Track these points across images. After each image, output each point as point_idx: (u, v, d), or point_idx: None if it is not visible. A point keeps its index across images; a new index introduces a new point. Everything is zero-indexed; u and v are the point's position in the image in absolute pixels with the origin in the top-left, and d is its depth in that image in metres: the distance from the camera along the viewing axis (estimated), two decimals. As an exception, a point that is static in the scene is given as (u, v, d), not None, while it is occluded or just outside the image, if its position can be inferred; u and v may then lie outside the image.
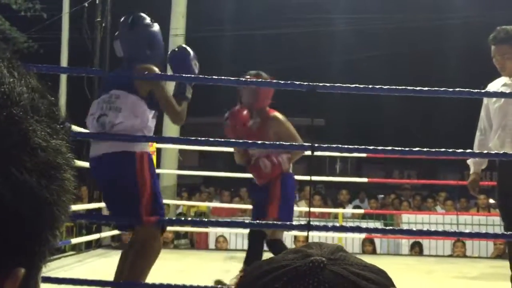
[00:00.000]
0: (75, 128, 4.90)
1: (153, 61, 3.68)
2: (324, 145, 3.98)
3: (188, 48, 3.99)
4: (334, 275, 0.65)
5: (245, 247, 7.90)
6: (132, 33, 3.70)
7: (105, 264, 5.03)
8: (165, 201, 8.98)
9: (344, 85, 3.85)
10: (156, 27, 3.76)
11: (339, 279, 0.64)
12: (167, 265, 5.96)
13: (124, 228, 3.88)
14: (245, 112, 4.54)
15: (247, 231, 7.82)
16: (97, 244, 7.17)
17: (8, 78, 0.53)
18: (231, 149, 6.52)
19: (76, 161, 0.58)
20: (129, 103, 3.51)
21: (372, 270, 0.67)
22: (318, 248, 0.69)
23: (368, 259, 0.70)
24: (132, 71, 3.61)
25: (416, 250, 7.91)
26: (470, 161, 4.41)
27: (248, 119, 4.55)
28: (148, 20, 3.74)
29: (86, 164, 4.38)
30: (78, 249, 6.86)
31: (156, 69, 3.65)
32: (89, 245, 7.06)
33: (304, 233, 6.72)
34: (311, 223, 3.69)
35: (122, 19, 3.79)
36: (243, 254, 5.60)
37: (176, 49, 4.07)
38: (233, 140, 4.51)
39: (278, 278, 0.66)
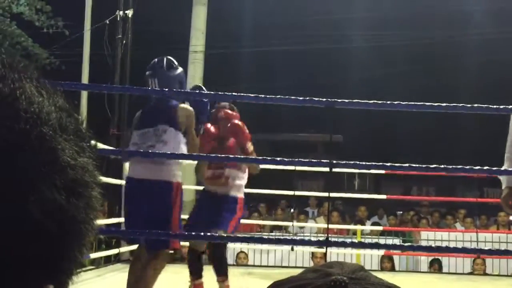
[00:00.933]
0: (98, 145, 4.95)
1: None
2: (342, 162, 4.00)
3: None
4: None
5: (264, 263, 7.93)
6: (168, 73, 4.21)
7: (124, 279, 5.05)
8: (184, 216, 9.03)
9: (362, 101, 3.87)
10: (181, 69, 4.35)
11: None
12: (182, 278, 5.98)
13: (152, 247, 4.09)
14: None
15: (266, 247, 7.86)
16: (116, 259, 7.21)
17: (37, 98, 0.54)
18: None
19: (101, 177, 0.60)
20: (174, 137, 4.05)
21: None
22: (339, 267, 0.68)
23: (387, 276, 0.70)
24: (175, 109, 4.11)
25: (435, 267, 7.85)
26: (502, 176, 4.13)
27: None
28: (176, 63, 4.33)
29: (106, 180, 4.46)
30: (97, 263, 6.90)
31: (191, 109, 4.15)
32: (108, 260, 7.10)
33: (322, 250, 6.71)
34: (330, 239, 3.69)
35: (157, 61, 4.28)
36: (262, 270, 5.61)
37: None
38: (256, 157, 4.60)
39: None
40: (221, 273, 4.67)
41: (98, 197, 0.57)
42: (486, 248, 6.43)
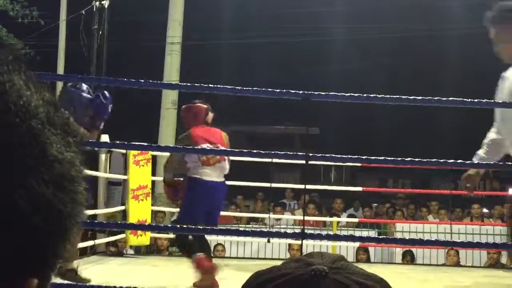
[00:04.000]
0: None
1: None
2: (318, 155, 4.01)
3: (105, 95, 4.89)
4: (336, 284, 0.65)
5: (240, 254, 7.95)
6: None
7: (100, 271, 5.05)
8: (160, 208, 9.04)
9: (338, 93, 3.88)
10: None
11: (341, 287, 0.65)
12: (161, 271, 5.98)
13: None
14: None
15: (243, 238, 7.88)
16: (91, 251, 7.17)
17: (25, 91, 0.54)
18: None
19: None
20: None
21: (374, 279, 0.68)
22: (319, 257, 0.69)
23: (362, 267, 0.70)
24: None
25: (408, 259, 7.94)
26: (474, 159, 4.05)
27: None
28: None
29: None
30: (88, 252, 6.86)
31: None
32: (83, 252, 7.06)
33: (298, 242, 6.74)
34: (306, 231, 3.71)
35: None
36: (238, 262, 5.63)
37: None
38: (230, 149, 4.68)
39: (280, 286, 0.66)
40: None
41: (83, 192, 0.57)
42: (460, 240, 6.52)
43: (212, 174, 4.97)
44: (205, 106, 5.16)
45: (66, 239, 0.55)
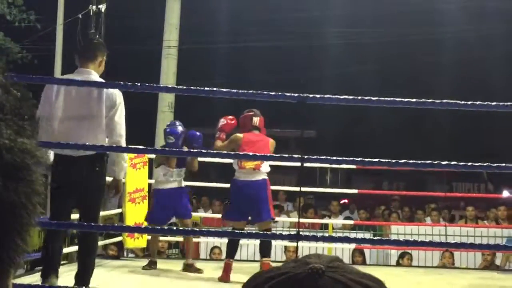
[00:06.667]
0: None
1: None
2: (313, 157, 4.05)
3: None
4: (333, 282, 0.67)
5: (236, 257, 7.96)
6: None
7: (96, 273, 5.05)
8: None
9: (333, 96, 3.92)
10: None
11: (337, 285, 0.67)
12: (159, 274, 6.00)
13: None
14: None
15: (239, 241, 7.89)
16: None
17: None
18: (223, 160, 6.61)
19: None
20: None
21: (370, 279, 0.70)
22: (316, 258, 0.71)
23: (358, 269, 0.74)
24: None
25: (408, 257, 7.91)
26: None
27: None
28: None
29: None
30: (70, 258, 6.87)
31: None
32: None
33: (294, 244, 6.77)
34: (301, 233, 3.75)
35: None
36: (235, 264, 5.67)
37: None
38: (223, 152, 4.82)
39: (278, 285, 0.68)
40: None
41: (40, 180, 0.53)
42: (454, 241, 6.56)
43: (246, 176, 5.55)
44: (250, 113, 5.73)
45: (23, 231, 0.51)
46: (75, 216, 4.66)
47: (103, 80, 4.33)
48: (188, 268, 6.06)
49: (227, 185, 6.67)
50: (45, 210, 4.97)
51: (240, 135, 5.66)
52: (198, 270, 6.03)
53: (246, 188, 5.52)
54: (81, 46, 5.08)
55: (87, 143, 4.02)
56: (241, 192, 5.55)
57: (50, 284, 4.07)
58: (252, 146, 5.47)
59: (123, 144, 4.22)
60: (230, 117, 5.86)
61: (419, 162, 3.90)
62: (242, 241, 7.89)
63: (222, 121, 5.77)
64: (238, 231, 4.76)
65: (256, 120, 5.72)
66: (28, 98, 0.54)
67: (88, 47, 4.47)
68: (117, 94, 4.24)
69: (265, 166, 5.58)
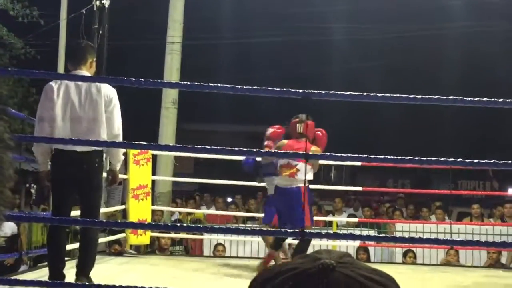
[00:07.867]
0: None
1: None
2: (317, 153, 4.01)
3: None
4: (343, 277, 0.67)
5: (240, 254, 7.95)
6: None
7: (99, 270, 5.04)
8: (160, 207, 9.03)
9: (338, 92, 3.88)
10: None
11: (348, 280, 0.67)
12: (162, 271, 5.98)
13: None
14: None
15: (243, 238, 7.88)
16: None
17: None
18: (226, 157, 6.58)
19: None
20: None
21: (380, 274, 0.70)
22: (327, 253, 0.71)
23: None
24: None
25: (411, 255, 7.86)
26: None
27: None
28: None
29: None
30: (73, 255, 6.85)
31: None
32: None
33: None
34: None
35: None
36: (238, 261, 5.65)
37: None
38: (226, 148, 4.75)
39: (288, 279, 0.68)
40: None
41: (9, 160, 0.50)
42: (459, 239, 6.52)
43: (283, 183, 5.74)
44: (296, 120, 5.85)
45: None
46: (74, 214, 4.66)
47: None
48: None
49: (230, 182, 6.66)
50: (48, 206, 4.99)
51: (284, 141, 5.84)
52: None
53: (282, 194, 5.76)
54: (70, 50, 5.13)
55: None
56: (277, 198, 5.84)
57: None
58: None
59: (121, 137, 4.38)
60: (277, 126, 6.13)
61: (424, 159, 3.86)
62: (246, 238, 7.89)
63: (270, 130, 6.08)
64: (242, 228, 4.73)
65: (299, 127, 5.83)
66: None
67: (78, 50, 4.56)
68: (111, 90, 4.40)
69: (302, 174, 5.54)
